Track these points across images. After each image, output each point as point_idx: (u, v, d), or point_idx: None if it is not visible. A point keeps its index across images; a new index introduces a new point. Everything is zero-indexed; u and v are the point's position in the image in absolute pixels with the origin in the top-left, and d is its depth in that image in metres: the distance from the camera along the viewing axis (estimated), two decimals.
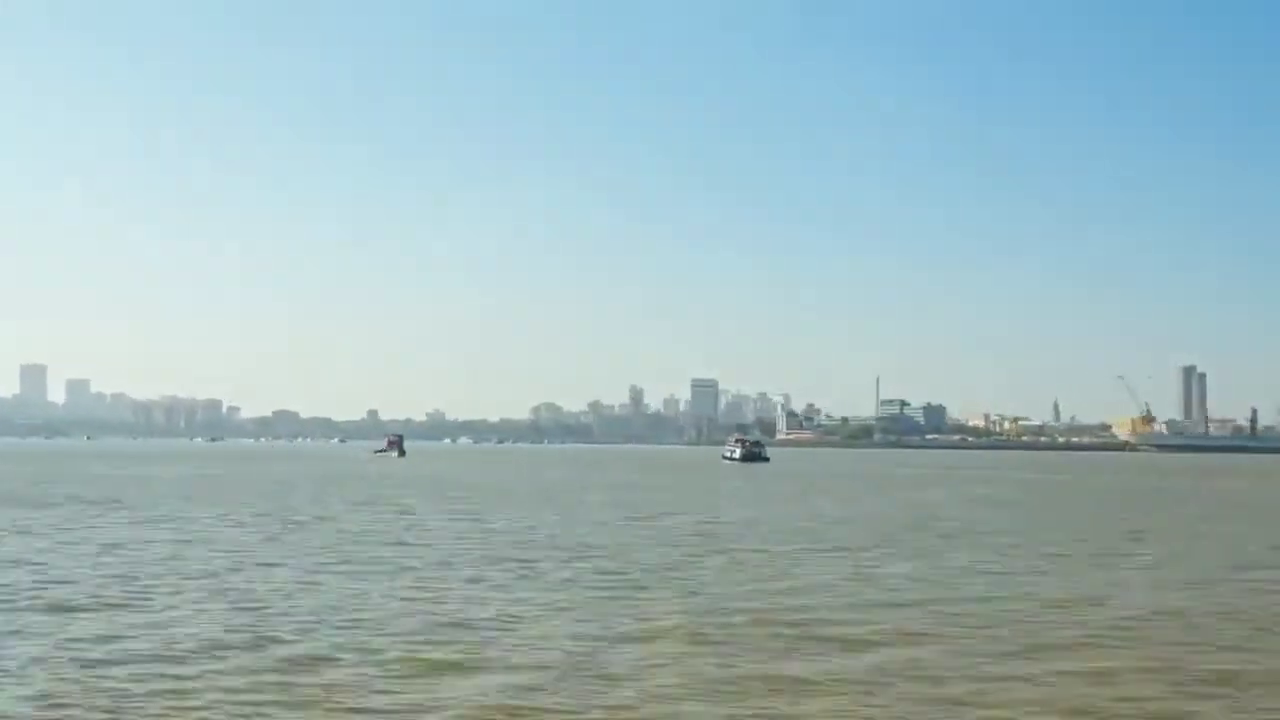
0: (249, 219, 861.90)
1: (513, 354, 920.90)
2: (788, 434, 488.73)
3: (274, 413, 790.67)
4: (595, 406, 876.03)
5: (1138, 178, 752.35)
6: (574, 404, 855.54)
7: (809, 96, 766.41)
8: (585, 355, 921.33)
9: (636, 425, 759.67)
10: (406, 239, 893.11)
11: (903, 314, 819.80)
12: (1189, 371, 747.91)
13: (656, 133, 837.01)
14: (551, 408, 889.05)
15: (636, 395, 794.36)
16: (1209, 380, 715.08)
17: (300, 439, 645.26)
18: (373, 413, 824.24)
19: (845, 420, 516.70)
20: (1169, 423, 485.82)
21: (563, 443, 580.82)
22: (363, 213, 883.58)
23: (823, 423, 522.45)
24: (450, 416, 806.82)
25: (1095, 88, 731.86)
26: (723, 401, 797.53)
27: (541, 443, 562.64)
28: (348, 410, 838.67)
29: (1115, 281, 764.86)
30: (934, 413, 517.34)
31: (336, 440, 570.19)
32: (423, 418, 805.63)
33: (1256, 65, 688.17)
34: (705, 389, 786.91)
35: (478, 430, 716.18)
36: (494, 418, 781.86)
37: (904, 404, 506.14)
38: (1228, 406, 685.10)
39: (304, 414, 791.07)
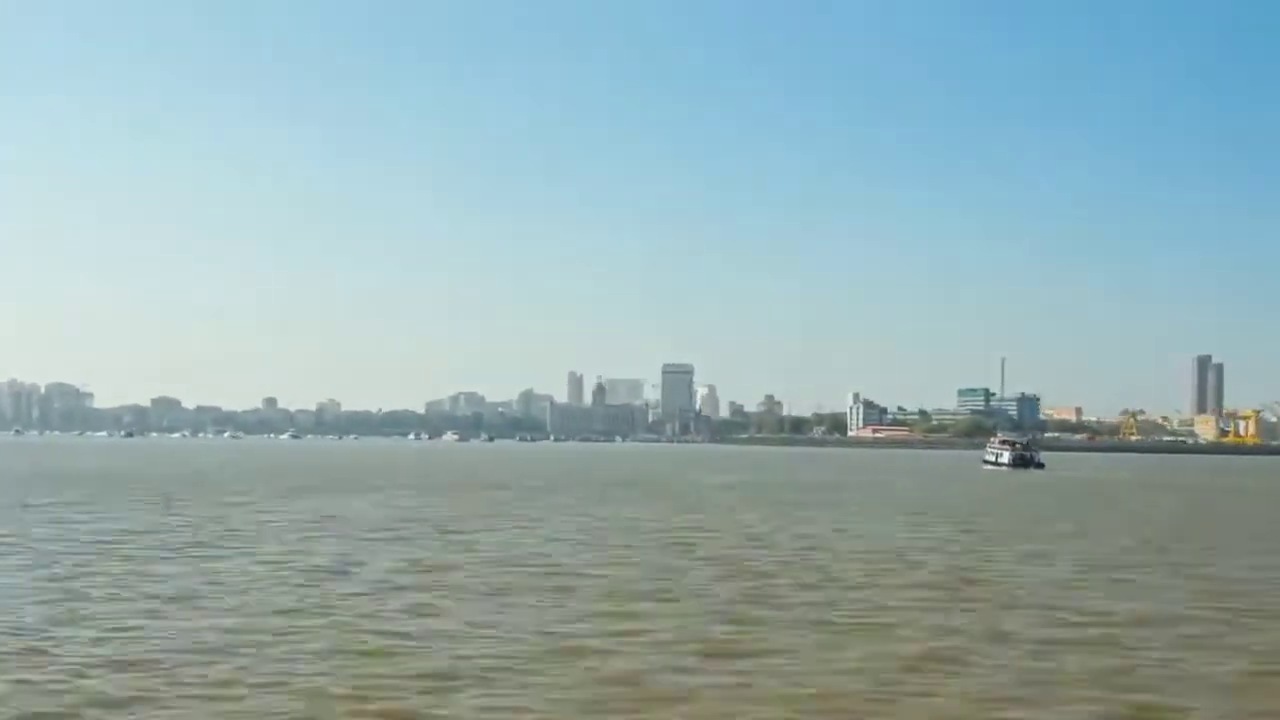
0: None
1: (421, 336, 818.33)
2: (863, 430, 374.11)
3: (152, 401, 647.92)
4: (528, 397, 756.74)
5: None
6: (500, 393, 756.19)
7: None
8: (497, 337, 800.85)
9: (597, 418, 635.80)
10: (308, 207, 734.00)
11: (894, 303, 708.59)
12: (1204, 362, 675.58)
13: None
14: (473, 398, 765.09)
15: (600, 385, 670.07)
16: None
17: (226, 433, 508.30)
18: (270, 401, 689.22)
19: (925, 414, 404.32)
20: None
21: (511, 439, 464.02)
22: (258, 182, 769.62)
23: (897, 417, 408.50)
24: (346, 407, 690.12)
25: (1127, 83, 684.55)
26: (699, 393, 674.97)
27: (480, 439, 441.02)
28: (240, 398, 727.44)
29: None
30: (1028, 405, 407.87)
31: (278, 435, 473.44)
32: (313, 407, 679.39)
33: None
34: (678, 376, 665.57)
35: (372, 422, 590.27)
36: (406, 406, 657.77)
37: (989, 394, 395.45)
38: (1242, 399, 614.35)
39: (188, 402, 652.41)
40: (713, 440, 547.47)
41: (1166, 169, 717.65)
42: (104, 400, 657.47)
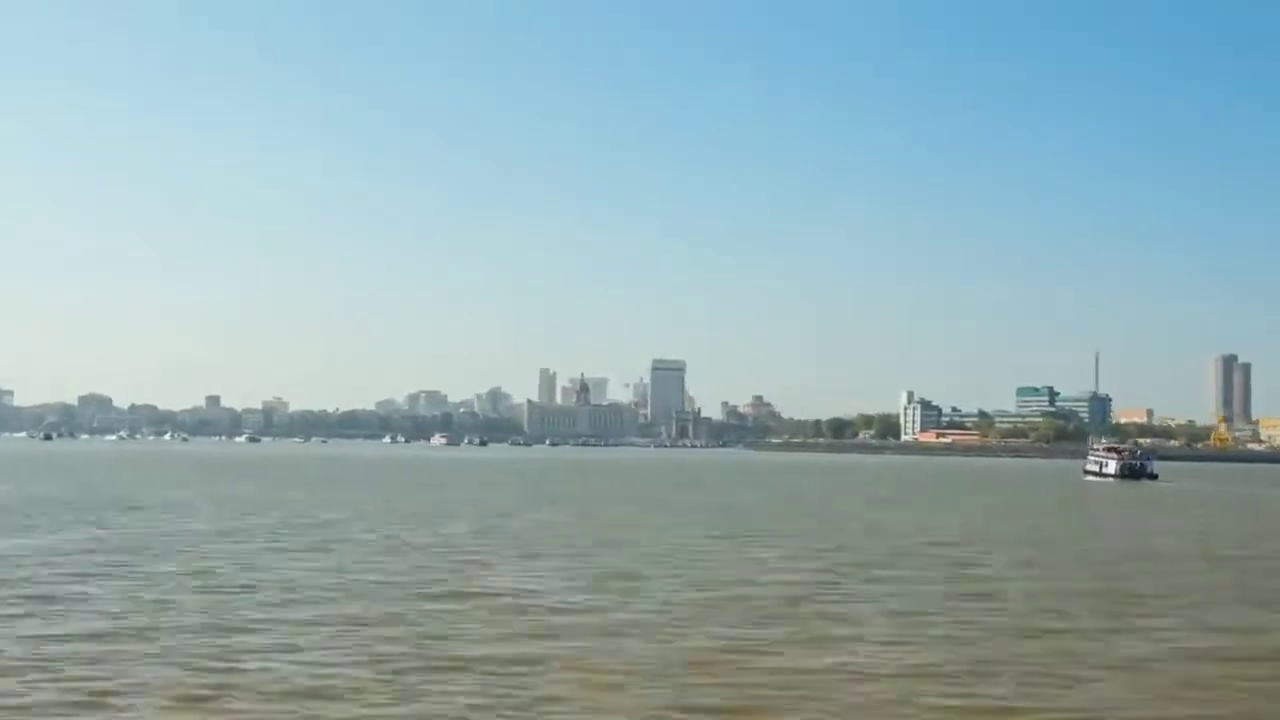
0: None
1: (371, 332, 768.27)
2: (924, 434, 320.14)
3: (80, 399, 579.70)
4: (495, 395, 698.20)
5: None
6: (462, 391, 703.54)
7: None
8: (455, 334, 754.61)
9: (581, 420, 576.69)
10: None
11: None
12: (1229, 361, 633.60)
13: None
14: (435, 397, 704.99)
15: (584, 383, 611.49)
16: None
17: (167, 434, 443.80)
18: (213, 399, 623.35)
19: (984, 415, 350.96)
20: None
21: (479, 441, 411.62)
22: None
23: (953, 419, 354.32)
24: (294, 406, 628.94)
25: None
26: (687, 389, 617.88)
27: (472, 442, 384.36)
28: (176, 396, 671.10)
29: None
30: (1099, 405, 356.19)
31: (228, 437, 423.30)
32: (257, 405, 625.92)
33: None
34: (669, 374, 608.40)
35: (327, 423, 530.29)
36: (357, 406, 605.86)
37: (1054, 393, 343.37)
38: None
39: (119, 400, 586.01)
40: (714, 444, 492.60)
41: (1173, 162, 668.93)
42: (25, 398, 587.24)
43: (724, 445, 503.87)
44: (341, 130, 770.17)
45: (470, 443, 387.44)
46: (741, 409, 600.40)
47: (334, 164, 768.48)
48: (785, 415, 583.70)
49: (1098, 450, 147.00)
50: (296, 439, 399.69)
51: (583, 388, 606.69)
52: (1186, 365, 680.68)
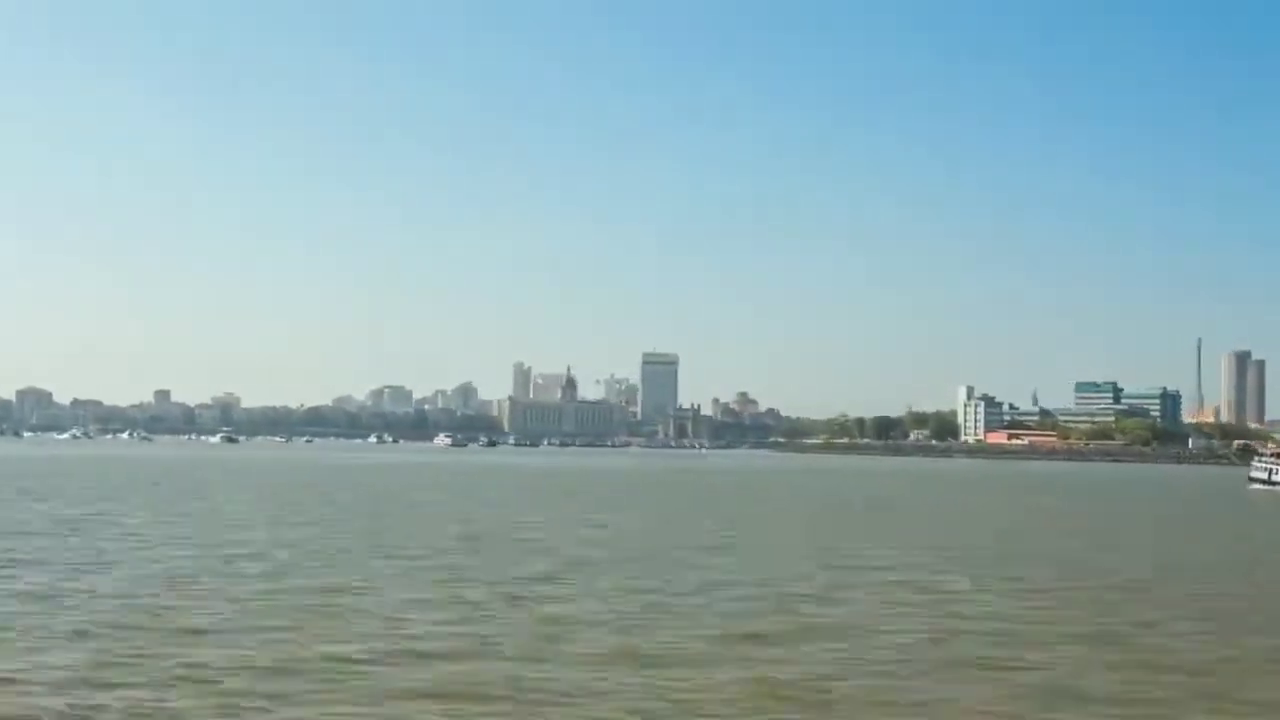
0: None
1: (325, 325, 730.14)
2: (994, 434, 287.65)
3: (17, 393, 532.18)
4: (466, 392, 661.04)
5: None
6: (426, 387, 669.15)
7: None
8: (418, 328, 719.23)
9: (567, 418, 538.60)
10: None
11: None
12: (1242, 358, 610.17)
13: None
14: (400, 393, 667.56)
15: (570, 378, 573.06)
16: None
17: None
18: (163, 394, 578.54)
19: (1046, 413, 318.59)
20: None
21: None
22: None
23: (1015, 418, 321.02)
24: (247, 404, 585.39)
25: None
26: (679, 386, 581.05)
27: (478, 443, 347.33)
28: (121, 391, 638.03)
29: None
30: (1170, 403, 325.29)
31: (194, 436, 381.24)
32: (208, 400, 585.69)
33: None
34: (660, 368, 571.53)
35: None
36: (314, 402, 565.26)
37: (1118, 390, 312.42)
38: None
39: (61, 395, 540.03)
40: (717, 445, 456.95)
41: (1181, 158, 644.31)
42: None
43: (727, 446, 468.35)
44: (292, 118, 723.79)
45: (479, 444, 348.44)
46: (732, 406, 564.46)
47: (285, 153, 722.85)
48: (784, 413, 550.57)
49: (1266, 456, 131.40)
50: (278, 438, 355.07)
51: (568, 383, 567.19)
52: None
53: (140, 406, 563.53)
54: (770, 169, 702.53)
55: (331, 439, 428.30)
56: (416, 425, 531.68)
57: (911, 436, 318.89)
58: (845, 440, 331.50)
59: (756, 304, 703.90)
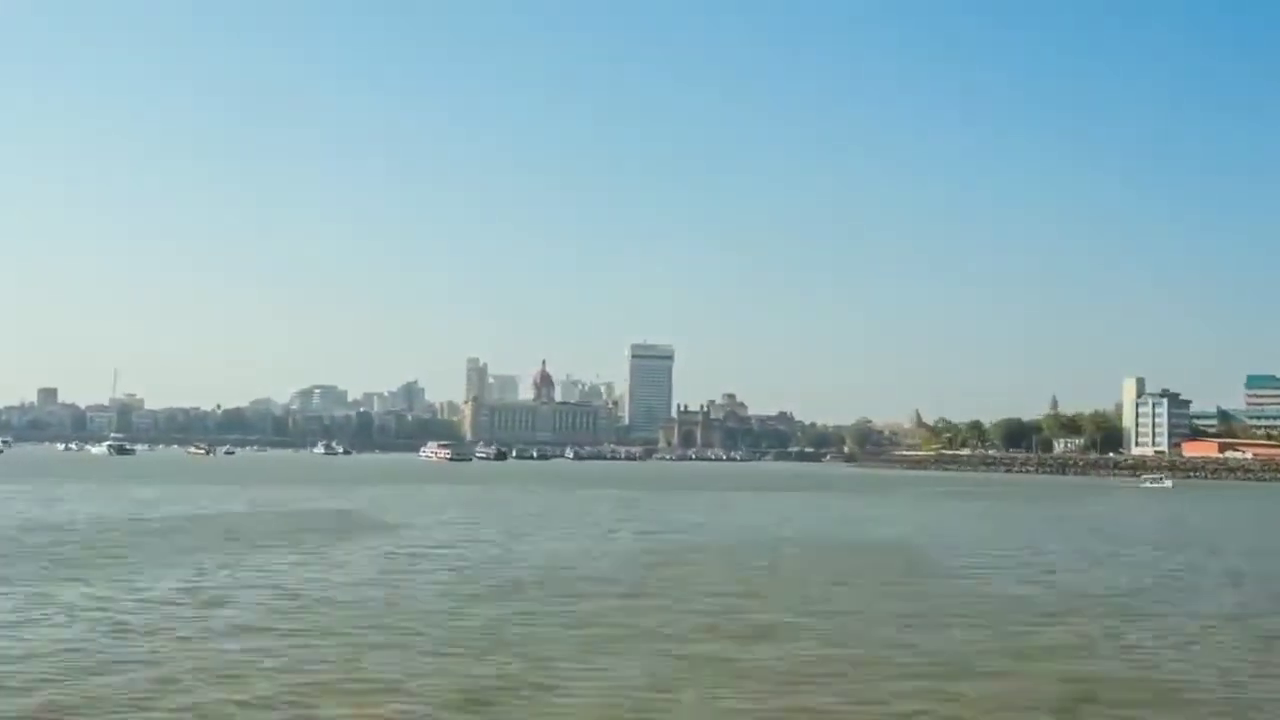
0: None
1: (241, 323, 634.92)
2: (1191, 445, 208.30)
3: None
4: (411, 391, 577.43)
5: None
6: (361, 388, 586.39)
7: None
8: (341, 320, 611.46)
9: (541, 422, 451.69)
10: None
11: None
12: None
13: None
14: (332, 394, 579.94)
15: (543, 374, 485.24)
16: None
17: None
18: (48, 393, 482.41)
19: (1225, 415, 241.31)
20: None
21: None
22: None
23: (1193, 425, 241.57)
24: (150, 404, 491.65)
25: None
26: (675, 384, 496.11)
27: (485, 454, 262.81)
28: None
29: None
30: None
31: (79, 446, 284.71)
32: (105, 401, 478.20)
33: None
34: (653, 363, 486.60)
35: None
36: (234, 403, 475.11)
37: (1173, 397, 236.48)
38: None
39: None
40: (752, 456, 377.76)
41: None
42: None
43: (758, 456, 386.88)
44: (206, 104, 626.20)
45: (484, 456, 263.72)
46: (735, 410, 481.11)
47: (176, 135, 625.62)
48: (798, 418, 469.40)
49: None
50: (197, 448, 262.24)
51: (543, 381, 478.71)
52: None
53: (20, 408, 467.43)
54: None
55: (254, 449, 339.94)
56: (361, 431, 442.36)
57: (1059, 446, 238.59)
58: (966, 452, 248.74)
59: (750, 295, 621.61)
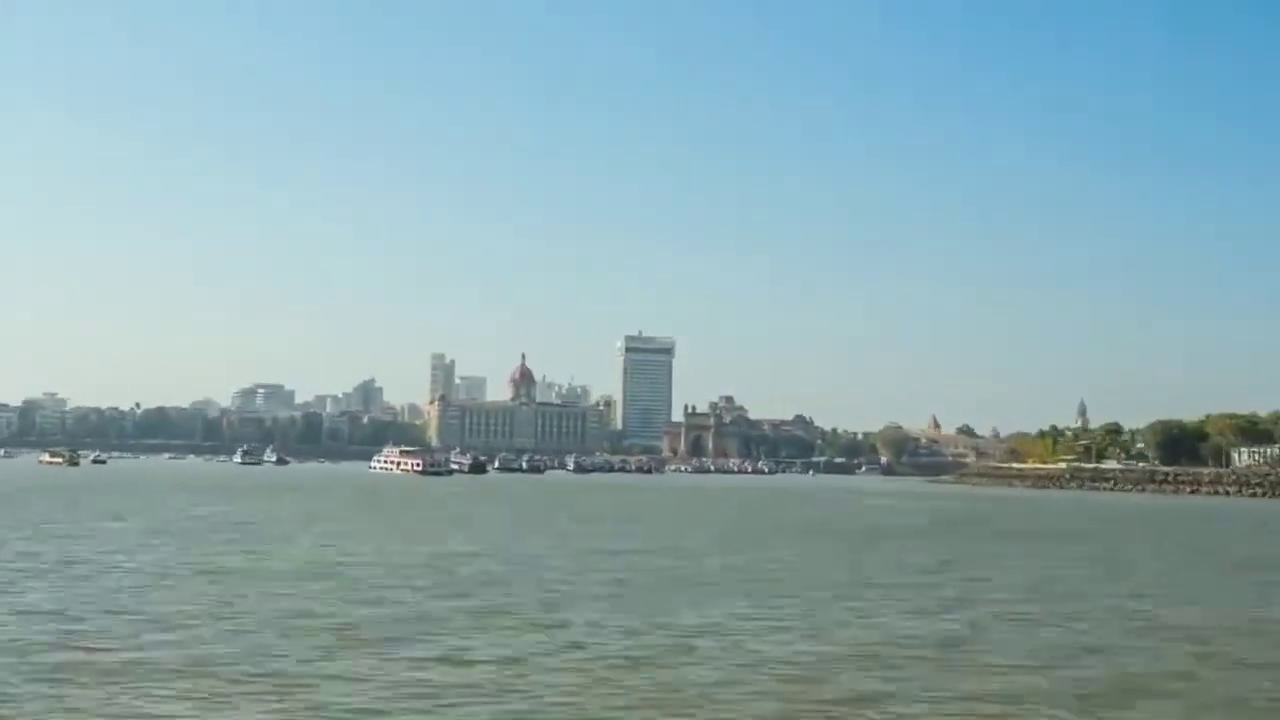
0: None
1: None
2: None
3: None
4: (367, 392, 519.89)
5: None
6: (309, 389, 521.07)
7: None
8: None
9: (521, 426, 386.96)
10: None
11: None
12: None
13: None
14: (278, 395, 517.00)
15: (523, 369, 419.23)
16: None
17: None
18: None
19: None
20: None
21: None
22: None
23: None
24: (72, 403, 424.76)
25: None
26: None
27: (518, 466, 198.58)
28: None
29: None
30: None
31: None
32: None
33: None
34: (651, 358, 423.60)
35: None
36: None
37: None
38: None
39: None
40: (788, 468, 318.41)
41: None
42: None
43: (789, 468, 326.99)
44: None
45: (513, 468, 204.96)
46: (748, 414, 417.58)
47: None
48: (817, 425, 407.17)
49: None
50: (54, 454, 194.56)
51: (523, 377, 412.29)
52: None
53: None
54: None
55: (169, 456, 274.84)
56: (308, 435, 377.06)
57: (1241, 458, 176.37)
58: (1114, 465, 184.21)
59: (750, 293, 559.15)
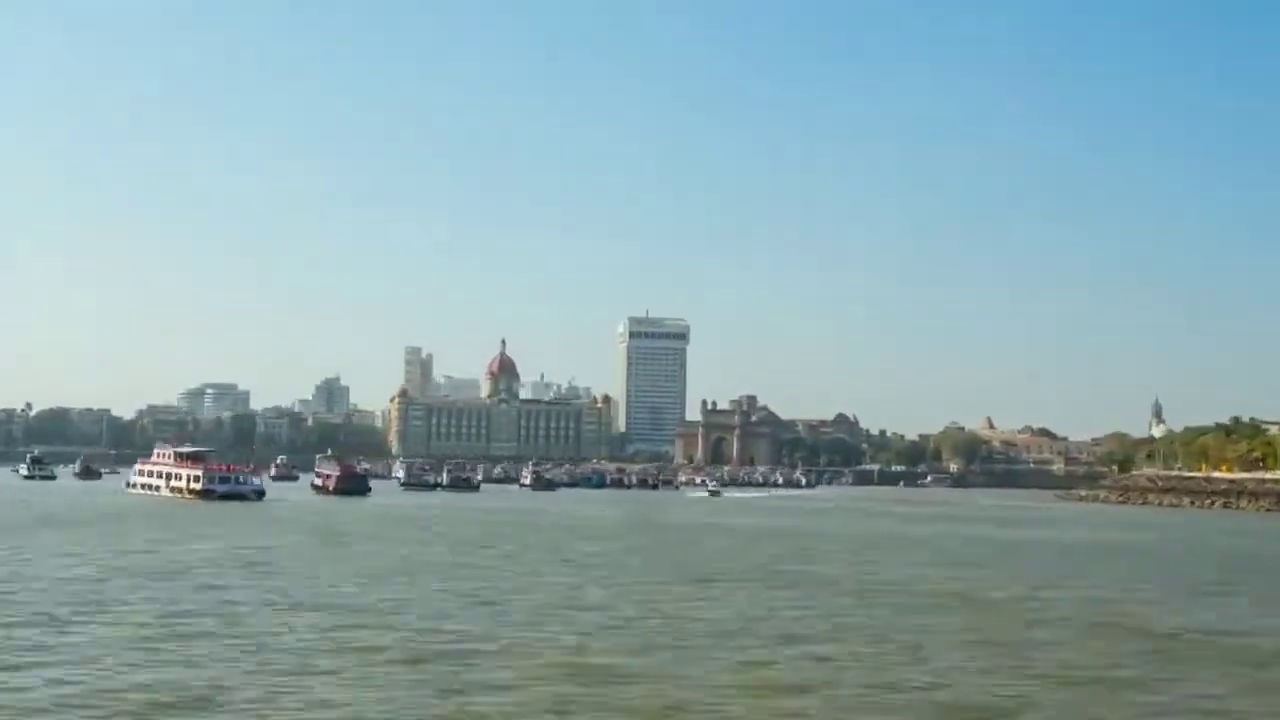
0: None
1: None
2: None
3: None
4: (331, 391, 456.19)
5: None
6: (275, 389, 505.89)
7: None
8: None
9: (499, 426, 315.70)
10: None
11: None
12: None
13: None
14: (229, 395, 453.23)
15: (510, 359, 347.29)
16: None
17: None
18: None
19: None
20: None
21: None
22: None
23: None
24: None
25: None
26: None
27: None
28: None
29: None
30: None
31: None
32: None
33: None
34: (662, 345, 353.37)
35: None
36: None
37: None
38: None
39: None
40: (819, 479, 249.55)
41: None
42: None
43: (830, 479, 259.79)
44: None
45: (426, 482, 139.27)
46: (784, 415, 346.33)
47: None
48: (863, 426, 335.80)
49: None
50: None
51: (502, 367, 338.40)
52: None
53: None
54: None
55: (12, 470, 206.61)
56: (238, 441, 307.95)
57: None
58: None
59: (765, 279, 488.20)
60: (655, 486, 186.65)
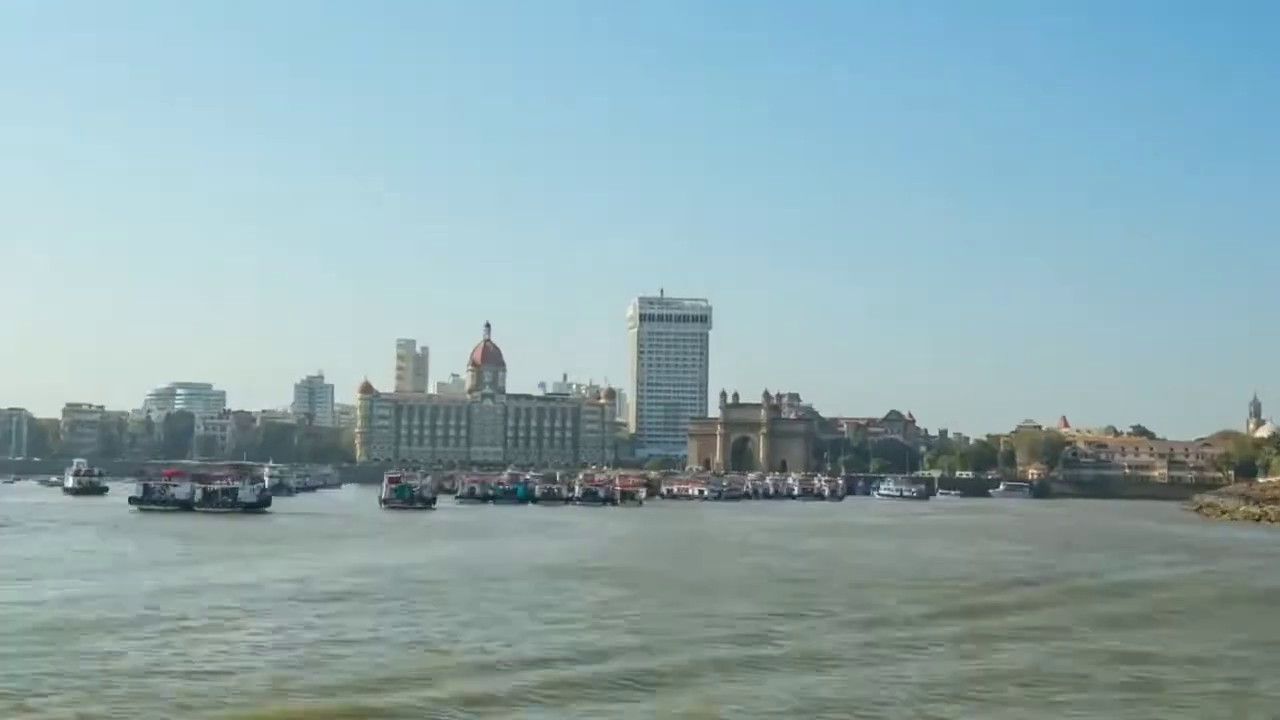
0: None
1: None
2: None
3: None
4: (313, 390, 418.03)
5: None
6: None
7: None
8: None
9: (485, 429, 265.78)
10: None
11: None
12: None
13: None
14: (201, 394, 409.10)
15: (495, 346, 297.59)
16: None
17: None
18: None
19: None
20: None
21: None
22: None
23: None
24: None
25: None
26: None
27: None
28: None
29: None
30: None
31: None
32: None
33: None
34: (678, 330, 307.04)
35: None
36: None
37: None
38: None
39: None
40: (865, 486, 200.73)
41: None
42: None
43: (864, 486, 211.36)
44: None
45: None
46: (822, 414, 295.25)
47: None
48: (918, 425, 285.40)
49: None
50: None
51: (486, 357, 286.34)
52: None
53: None
54: None
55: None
56: (171, 445, 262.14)
57: None
58: None
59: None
60: (608, 500, 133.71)
